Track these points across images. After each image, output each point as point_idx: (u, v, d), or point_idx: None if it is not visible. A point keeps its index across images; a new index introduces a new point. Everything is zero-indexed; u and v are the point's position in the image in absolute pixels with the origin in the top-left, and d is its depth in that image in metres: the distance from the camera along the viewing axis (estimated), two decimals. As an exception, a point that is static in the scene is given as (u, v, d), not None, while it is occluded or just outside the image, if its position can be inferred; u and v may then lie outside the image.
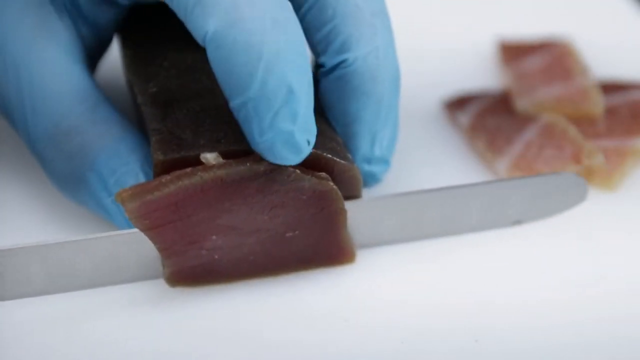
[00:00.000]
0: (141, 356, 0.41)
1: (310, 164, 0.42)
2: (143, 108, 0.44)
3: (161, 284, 0.43)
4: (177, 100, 0.44)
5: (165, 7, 0.49)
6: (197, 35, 0.39)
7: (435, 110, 0.58)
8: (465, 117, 0.55)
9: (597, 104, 0.55)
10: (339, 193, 0.42)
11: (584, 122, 0.54)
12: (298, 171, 0.41)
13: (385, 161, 0.46)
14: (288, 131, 0.39)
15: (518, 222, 0.47)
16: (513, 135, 0.53)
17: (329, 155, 0.43)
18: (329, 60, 0.44)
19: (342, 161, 0.43)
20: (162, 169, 0.41)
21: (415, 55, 0.58)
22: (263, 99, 0.38)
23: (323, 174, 0.42)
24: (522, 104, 0.55)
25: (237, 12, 0.38)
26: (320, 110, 0.45)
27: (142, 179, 0.43)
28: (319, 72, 0.44)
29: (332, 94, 0.44)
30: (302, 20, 0.43)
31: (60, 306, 0.43)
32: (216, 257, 0.43)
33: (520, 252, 0.47)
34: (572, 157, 0.51)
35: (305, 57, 0.39)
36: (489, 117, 0.55)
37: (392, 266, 0.46)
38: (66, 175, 0.44)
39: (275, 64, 0.38)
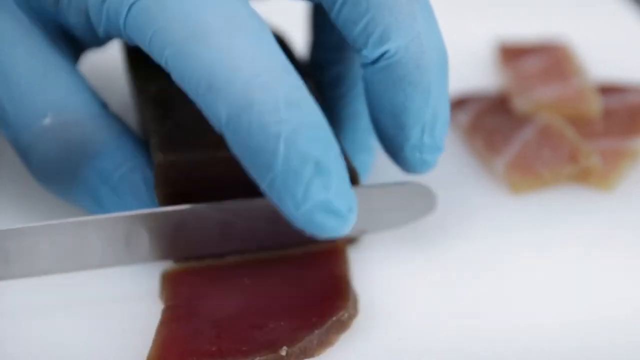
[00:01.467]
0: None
1: None
2: (143, 108, 0.44)
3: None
4: (177, 102, 0.44)
5: None
6: (213, 121, 0.38)
7: (434, 110, 0.58)
8: (463, 117, 0.56)
9: (595, 105, 0.55)
10: None
11: (581, 123, 0.54)
12: None
13: (437, 148, 0.44)
14: (325, 199, 0.38)
15: (362, 231, 0.46)
16: (511, 136, 0.53)
17: None
18: (370, 54, 0.42)
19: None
20: (163, 169, 0.42)
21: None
22: (290, 174, 0.37)
23: None
24: (520, 104, 0.56)
25: (247, 96, 0.37)
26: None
27: (149, 174, 0.43)
28: (363, 66, 0.43)
29: (377, 85, 0.43)
30: (337, 17, 0.42)
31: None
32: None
33: (518, 250, 0.47)
34: (569, 157, 0.51)
35: (327, 130, 0.38)
36: (487, 117, 0.55)
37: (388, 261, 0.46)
38: (58, 168, 0.44)
39: (295, 138, 0.37)
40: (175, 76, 0.39)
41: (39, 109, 0.43)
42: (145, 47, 0.40)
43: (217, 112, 0.38)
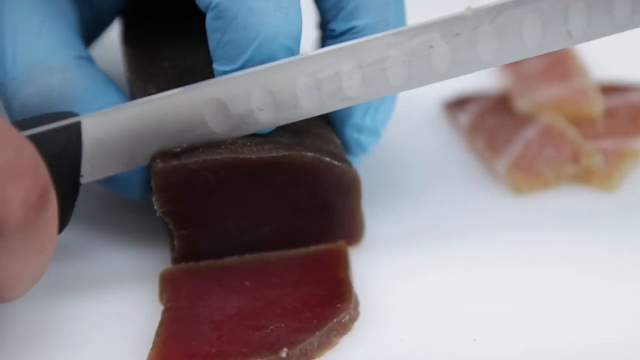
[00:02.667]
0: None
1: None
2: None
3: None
4: None
5: (169, 4, 0.50)
6: (201, 3, 0.40)
7: (435, 110, 0.58)
8: (465, 117, 0.55)
9: (597, 104, 0.55)
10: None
11: (583, 123, 0.54)
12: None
13: (375, 132, 0.46)
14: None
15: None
16: (512, 136, 0.53)
17: (328, 159, 0.43)
18: (338, 26, 0.44)
19: (341, 164, 0.43)
20: (160, 176, 0.42)
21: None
22: None
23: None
24: (521, 104, 0.56)
25: None
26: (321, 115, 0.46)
27: None
28: (327, 35, 0.45)
29: None
30: None
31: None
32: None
33: (519, 250, 0.47)
34: (571, 157, 0.51)
35: (298, 41, 0.40)
36: (488, 117, 0.55)
37: (392, 261, 0.46)
38: (39, 111, 0.43)
39: (267, 45, 0.39)
40: None
41: (27, 59, 0.44)
42: None
43: None
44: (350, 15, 0.43)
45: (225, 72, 0.41)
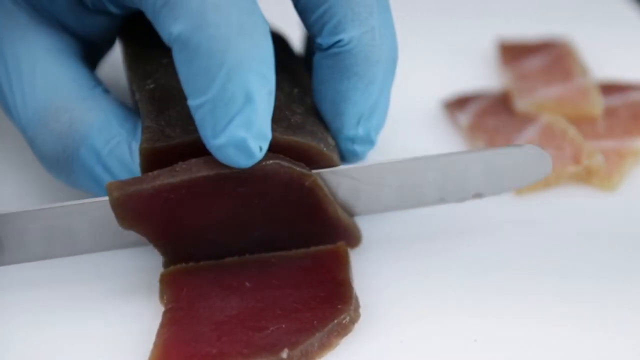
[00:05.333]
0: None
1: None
2: (140, 105, 0.45)
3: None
4: (172, 98, 0.44)
5: None
6: (163, 35, 0.39)
7: (435, 110, 0.58)
8: (465, 117, 0.55)
9: (597, 104, 0.55)
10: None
11: (583, 123, 0.54)
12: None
13: (370, 141, 0.46)
14: (241, 138, 0.39)
15: (479, 195, 0.46)
16: (513, 136, 0.53)
17: (287, 164, 0.42)
18: (324, 41, 0.43)
19: (299, 169, 0.43)
20: (146, 158, 0.42)
21: (416, 55, 0.58)
22: (220, 104, 0.39)
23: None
24: (521, 104, 0.55)
25: (202, 16, 0.38)
26: (316, 110, 0.46)
27: (135, 147, 0.44)
28: (315, 47, 0.44)
29: (325, 70, 0.44)
30: (297, 3, 0.43)
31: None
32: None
33: (520, 250, 0.47)
34: (572, 157, 0.51)
35: (270, 64, 0.39)
36: (488, 117, 0.55)
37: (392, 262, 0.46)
38: (58, 155, 0.44)
39: (236, 72, 0.38)
40: None
41: (35, 103, 0.44)
42: None
43: (170, 26, 0.39)
44: (334, 29, 0.43)
45: (199, 106, 0.39)
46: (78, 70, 0.45)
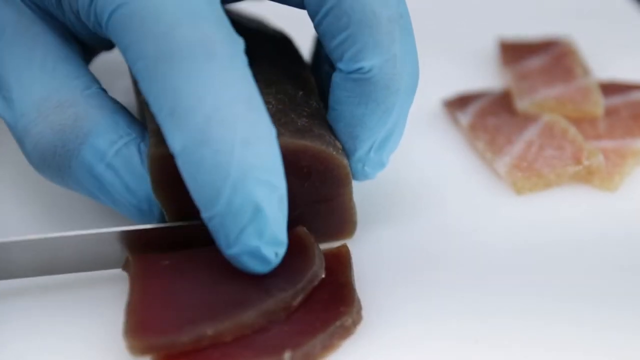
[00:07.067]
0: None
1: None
2: (145, 107, 0.45)
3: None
4: None
5: None
6: (168, 144, 0.39)
7: (435, 110, 0.58)
8: (465, 117, 0.55)
9: (598, 104, 0.55)
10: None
11: (584, 123, 0.54)
12: None
13: (381, 164, 0.46)
14: (254, 247, 0.40)
15: None
16: (513, 136, 0.53)
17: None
18: (344, 67, 0.43)
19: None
20: (157, 163, 0.42)
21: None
22: (229, 216, 0.39)
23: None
24: (522, 104, 0.55)
25: (205, 132, 0.38)
26: (322, 112, 0.46)
27: (143, 149, 0.43)
28: (335, 68, 0.44)
29: (343, 92, 0.44)
30: (318, 27, 0.43)
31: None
32: None
33: (520, 250, 0.47)
34: (573, 157, 0.51)
35: (278, 172, 0.39)
36: (489, 117, 0.55)
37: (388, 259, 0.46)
38: (55, 150, 0.43)
39: (242, 184, 0.38)
40: (143, 90, 0.39)
41: (35, 95, 0.44)
42: (122, 54, 0.40)
43: (174, 139, 0.39)
44: (355, 56, 0.42)
45: (210, 218, 0.39)
46: (81, 68, 0.45)
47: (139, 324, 0.39)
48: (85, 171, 0.43)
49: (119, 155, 0.43)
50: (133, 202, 0.44)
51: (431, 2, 0.68)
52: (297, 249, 0.43)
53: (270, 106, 0.44)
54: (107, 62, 0.53)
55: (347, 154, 0.45)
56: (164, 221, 0.44)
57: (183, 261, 0.43)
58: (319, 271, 0.42)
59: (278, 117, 0.44)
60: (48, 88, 0.44)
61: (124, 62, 0.43)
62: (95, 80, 0.45)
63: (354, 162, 0.45)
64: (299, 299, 0.41)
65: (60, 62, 0.44)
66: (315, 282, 0.42)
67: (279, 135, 0.41)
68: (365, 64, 0.42)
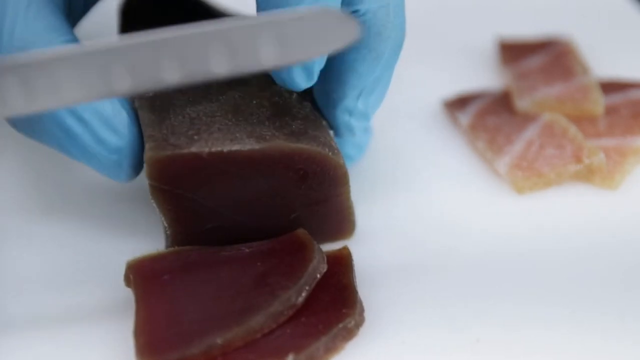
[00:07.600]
0: None
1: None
2: (140, 112, 0.45)
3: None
4: (173, 106, 0.45)
5: (167, 8, 0.49)
6: None
7: (435, 110, 0.58)
8: (465, 117, 0.55)
9: (598, 103, 0.55)
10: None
11: (584, 121, 0.54)
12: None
13: (366, 116, 0.47)
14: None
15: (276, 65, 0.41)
16: (513, 135, 0.53)
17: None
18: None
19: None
20: (154, 167, 0.42)
21: (416, 55, 0.58)
22: None
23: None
24: (522, 103, 0.55)
25: None
26: (316, 112, 0.46)
27: (117, 103, 0.43)
28: None
29: None
30: None
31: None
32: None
33: (521, 250, 0.47)
34: (573, 156, 0.51)
35: None
36: (489, 117, 0.55)
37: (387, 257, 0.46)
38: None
39: None
40: None
41: (13, 45, 0.43)
42: None
43: None
44: (351, 0, 0.44)
45: None
46: (60, 21, 0.44)
47: (150, 344, 0.39)
48: (55, 124, 0.43)
49: (89, 107, 0.43)
50: (103, 153, 0.44)
51: (431, 2, 0.68)
52: (296, 248, 0.43)
53: (264, 109, 0.45)
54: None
55: (334, 103, 0.46)
56: (135, 175, 0.44)
57: (183, 273, 0.43)
58: (319, 265, 0.42)
59: (272, 120, 0.44)
60: (26, 39, 0.43)
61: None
62: (75, 36, 0.44)
63: (341, 111, 0.46)
64: (303, 295, 0.41)
65: (41, 13, 0.44)
66: (317, 276, 0.42)
67: (274, 139, 0.42)
68: (361, 7, 0.44)
